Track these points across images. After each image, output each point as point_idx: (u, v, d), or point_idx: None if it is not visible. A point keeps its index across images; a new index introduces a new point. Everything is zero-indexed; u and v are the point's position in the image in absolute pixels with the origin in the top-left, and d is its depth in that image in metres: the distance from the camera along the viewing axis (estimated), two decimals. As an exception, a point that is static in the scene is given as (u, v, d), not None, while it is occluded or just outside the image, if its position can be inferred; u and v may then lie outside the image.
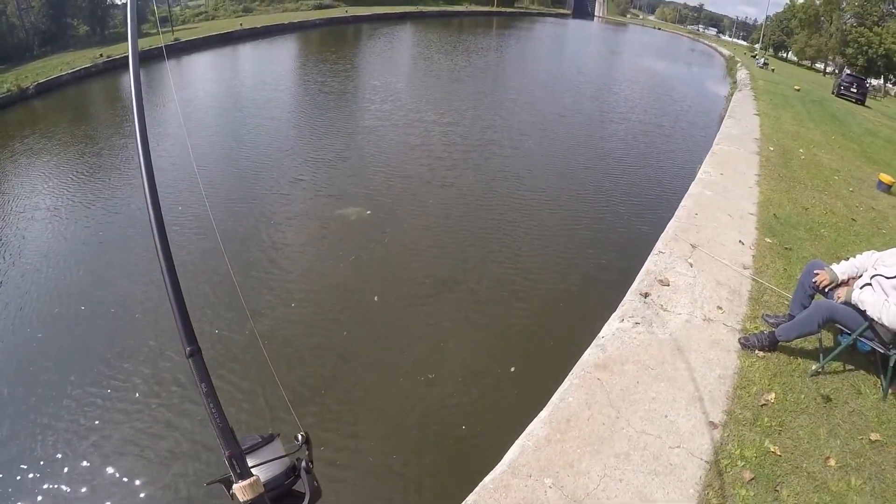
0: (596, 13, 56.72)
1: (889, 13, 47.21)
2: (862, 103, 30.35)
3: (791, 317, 4.36)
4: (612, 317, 4.55)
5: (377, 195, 9.01)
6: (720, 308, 4.71)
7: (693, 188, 7.97)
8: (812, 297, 4.26)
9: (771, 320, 4.58)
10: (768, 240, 6.44)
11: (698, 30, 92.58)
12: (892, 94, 47.75)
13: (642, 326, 4.33)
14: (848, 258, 4.20)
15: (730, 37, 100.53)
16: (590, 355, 4.01)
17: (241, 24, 29.95)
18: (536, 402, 3.66)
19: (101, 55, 22.01)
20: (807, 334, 4.02)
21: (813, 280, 4.10)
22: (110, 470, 4.08)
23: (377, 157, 10.97)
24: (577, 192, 10.03)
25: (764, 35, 68.06)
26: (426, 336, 5.58)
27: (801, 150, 12.32)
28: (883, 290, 3.66)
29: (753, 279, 5.31)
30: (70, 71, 20.00)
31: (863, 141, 16.58)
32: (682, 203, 7.28)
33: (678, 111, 18.80)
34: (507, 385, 4.96)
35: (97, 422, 4.49)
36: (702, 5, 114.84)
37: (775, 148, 11.90)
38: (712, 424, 3.43)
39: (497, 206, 8.95)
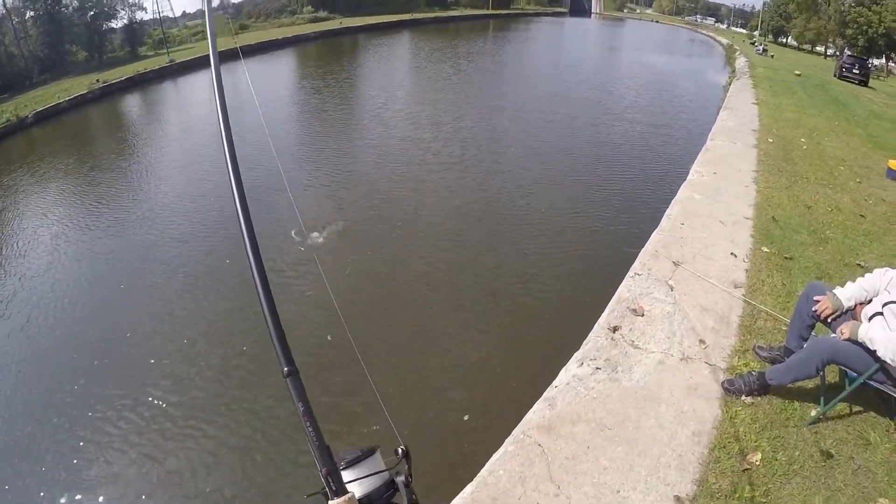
0: (593, 10, 55.85)
1: None
2: (865, 84, 29.70)
3: (788, 351, 3.67)
4: (570, 360, 3.89)
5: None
6: (703, 342, 4.02)
7: (681, 192, 7.23)
8: (812, 326, 3.53)
9: (764, 353, 3.89)
10: (765, 248, 5.73)
11: (696, 20, 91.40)
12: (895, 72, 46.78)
13: (604, 372, 3.66)
14: (856, 279, 3.45)
15: (728, 25, 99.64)
16: (535, 413, 3.34)
17: (235, 42, 29.63)
18: (467, 475, 3.02)
19: (97, 80, 22.09)
20: (804, 378, 3.33)
21: (813, 309, 3.39)
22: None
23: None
24: (555, 206, 9.25)
25: (762, 21, 67.09)
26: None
27: (802, 140, 11.57)
28: None
29: (745, 301, 4.61)
30: (67, 98, 20.17)
31: (868, 124, 15.73)
32: (667, 212, 6.56)
33: (677, 107, 17.97)
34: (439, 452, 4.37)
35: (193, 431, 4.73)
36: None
37: (775, 139, 11.15)
38: (678, 500, 2.77)
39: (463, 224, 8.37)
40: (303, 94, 19.74)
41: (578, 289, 6.65)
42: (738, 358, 3.90)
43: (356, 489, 0.88)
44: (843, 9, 47.97)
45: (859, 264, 5.75)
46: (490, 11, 46.55)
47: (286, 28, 37.82)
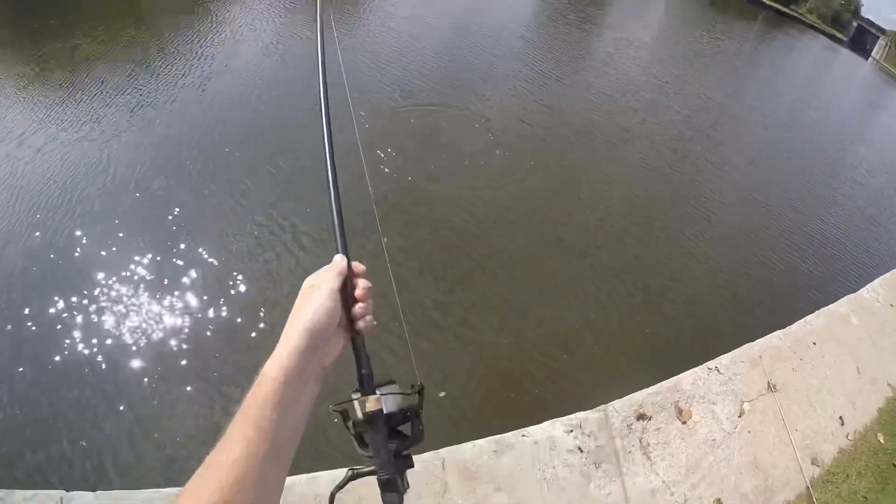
0: (874, 54, 46.65)
1: None
2: None
3: None
4: (559, 418, 2.96)
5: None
6: (719, 502, 2.95)
7: (838, 305, 5.58)
8: None
9: None
10: (881, 438, 4.29)
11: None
12: None
13: (580, 459, 2.74)
14: None
15: None
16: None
17: None
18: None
19: None
20: None
21: None
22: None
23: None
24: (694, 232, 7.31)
25: None
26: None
27: None
28: None
29: (808, 489, 3.39)
30: None
31: None
32: (807, 317, 5.09)
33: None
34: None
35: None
36: None
37: None
38: None
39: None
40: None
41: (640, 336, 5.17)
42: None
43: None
44: None
45: None
46: (767, 1, 40.28)
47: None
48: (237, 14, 9.83)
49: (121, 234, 4.61)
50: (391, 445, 0.83)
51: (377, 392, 0.86)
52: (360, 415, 0.83)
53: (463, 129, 7.55)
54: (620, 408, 3.11)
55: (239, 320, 4.10)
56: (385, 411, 0.85)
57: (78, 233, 4.56)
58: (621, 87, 11.17)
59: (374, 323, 0.90)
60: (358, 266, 0.92)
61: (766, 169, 10.64)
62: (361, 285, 0.90)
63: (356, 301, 0.89)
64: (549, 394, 4.01)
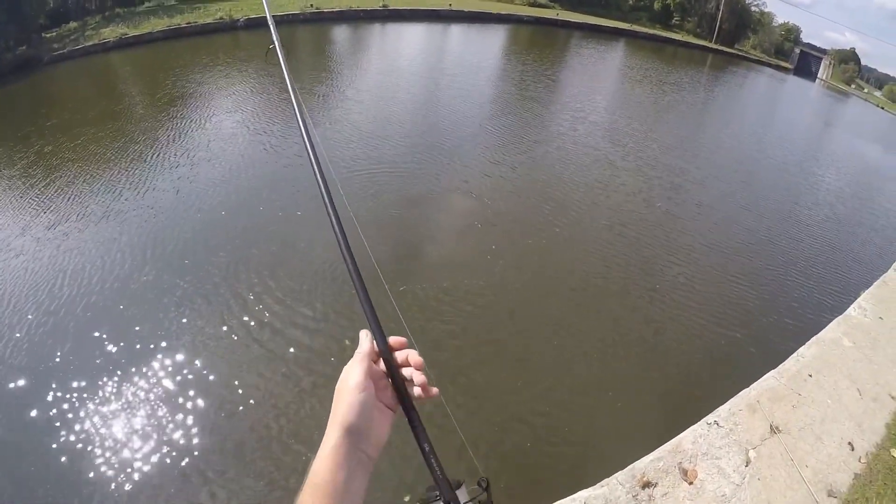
0: (819, 75, 49.15)
1: None
2: None
3: None
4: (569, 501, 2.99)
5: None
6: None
7: (828, 330, 5.63)
8: None
9: None
10: (895, 453, 4.28)
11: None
12: None
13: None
14: None
15: None
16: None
17: (450, 5, 29.98)
18: None
19: (311, 4, 23.26)
20: None
21: None
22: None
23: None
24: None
25: None
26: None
27: None
28: None
29: None
30: (280, 14, 21.38)
31: None
32: (799, 351, 5.16)
33: (869, 215, 14.56)
34: None
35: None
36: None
37: None
38: None
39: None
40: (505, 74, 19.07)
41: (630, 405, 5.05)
42: None
43: None
44: None
45: None
46: (712, 45, 42.59)
47: (503, 4, 37.29)
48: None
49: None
50: None
51: (460, 500, 0.89)
52: None
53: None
54: (624, 479, 3.14)
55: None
56: None
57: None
58: (584, 154, 11.68)
59: (436, 391, 0.90)
60: (396, 340, 0.93)
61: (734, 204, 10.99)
62: (402, 359, 0.91)
63: (402, 378, 0.90)
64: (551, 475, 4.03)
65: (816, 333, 5.62)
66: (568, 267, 7.18)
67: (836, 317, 6.12)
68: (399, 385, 0.90)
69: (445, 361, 5.15)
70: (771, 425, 3.95)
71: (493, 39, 26.92)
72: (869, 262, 9.54)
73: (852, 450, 4.07)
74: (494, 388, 4.93)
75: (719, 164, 13.63)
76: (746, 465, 3.51)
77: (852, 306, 6.46)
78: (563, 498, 3.01)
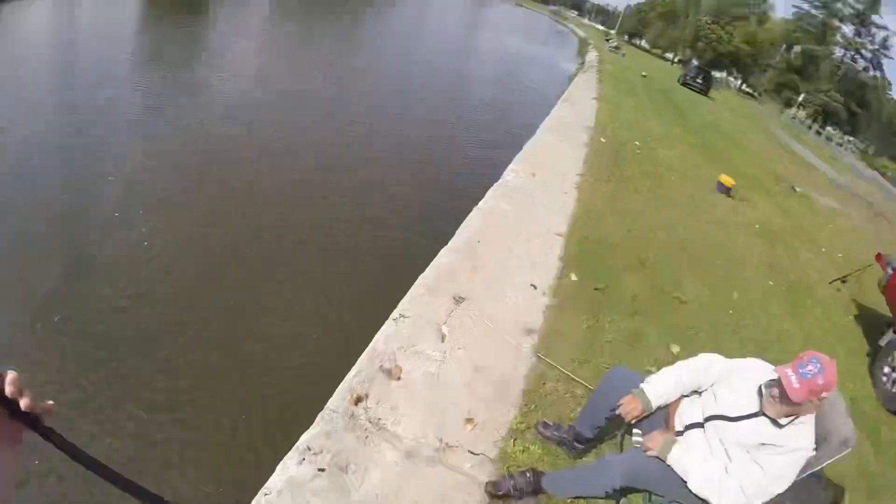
0: None
1: (743, 15, 52.64)
2: (705, 94, 32.83)
3: (578, 435, 2.98)
4: (291, 451, 2.88)
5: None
6: (471, 420, 3.22)
7: (487, 199, 6.35)
8: (609, 419, 2.83)
9: (549, 433, 3.19)
10: (574, 277, 5.14)
11: (559, 11, 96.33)
12: (733, 87, 53.41)
13: (327, 479, 2.70)
14: (674, 363, 2.67)
15: (589, 20, 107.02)
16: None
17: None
18: None
19: None
20: (590, 497, 2.62)
21: (615, 411, 2.61)
22: None
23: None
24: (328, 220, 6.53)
25: (622, 23, 73.29)
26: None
27: (637, 143, 11.68)
28: (724, 447, 2.28)
29: (539, 357, 3.92)
30: None
31: (704, 134, 16.71)
32: (464, 223, 5.70)
33: (516, 94, 17.56)
34: None
35: None
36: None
37: (608, 140, 11.07)
38: None
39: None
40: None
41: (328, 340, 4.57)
42: (516, 441, 3.15)
43: None
44: (699, 24, 54.12)
45: (678, 297, 5.42)
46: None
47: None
48: None
49: None
50: None
51: None
52: None
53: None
54: (336, 405, 3.13)
55: None
56: None
57: None
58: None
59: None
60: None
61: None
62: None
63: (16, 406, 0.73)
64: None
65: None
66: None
67: (491, 186, 6.92)
68: (17, 412, 0.73)
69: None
70: (454, 297, 4.32)
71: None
72: (521, 131, 11.13)
73: (535, 289, 4.73)
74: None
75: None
76: (443, 341, 3.81)
77: (505, 172, 7.44)
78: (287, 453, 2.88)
